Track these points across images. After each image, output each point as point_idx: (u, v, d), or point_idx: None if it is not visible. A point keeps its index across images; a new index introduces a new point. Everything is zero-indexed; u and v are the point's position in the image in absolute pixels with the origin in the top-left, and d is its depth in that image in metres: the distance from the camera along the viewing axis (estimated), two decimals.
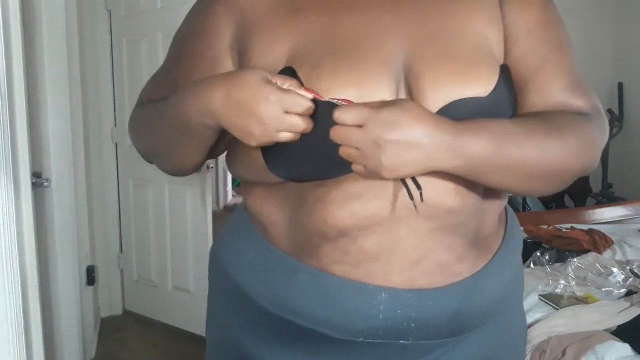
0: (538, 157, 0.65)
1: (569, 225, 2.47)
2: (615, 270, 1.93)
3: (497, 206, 0.78)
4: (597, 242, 2.25)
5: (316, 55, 0.69)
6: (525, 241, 2.07)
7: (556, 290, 1.78)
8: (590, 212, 2.81)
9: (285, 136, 0.63)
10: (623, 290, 1.79)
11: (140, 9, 2.95)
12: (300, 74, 0.68)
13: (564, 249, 2.13)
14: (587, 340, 1.44)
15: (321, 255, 0.72)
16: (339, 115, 0.60)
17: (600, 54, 3.54)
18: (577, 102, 0.72)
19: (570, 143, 0.68)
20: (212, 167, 2.85)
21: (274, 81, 0.64)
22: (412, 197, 0.63)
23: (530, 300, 1.71)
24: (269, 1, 0.74)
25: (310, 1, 0.73)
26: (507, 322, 0.82)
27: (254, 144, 0.65)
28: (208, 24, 0.77)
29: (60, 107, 2.01)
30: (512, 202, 3.08)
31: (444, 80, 0.67)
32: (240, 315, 0.81)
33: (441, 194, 0.68)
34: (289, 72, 0.68)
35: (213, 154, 0.80)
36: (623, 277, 1.89)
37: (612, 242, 2.30)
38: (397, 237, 0.69)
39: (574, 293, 1.77)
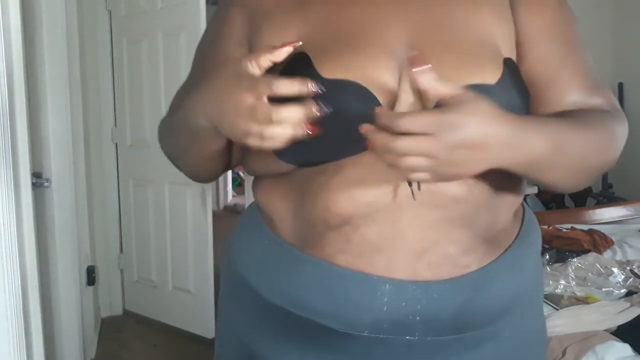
0: (584, 154, 0.67)
1: (569, 225, 2.48)
2: (615, 270, 1.93)
3: (511, 202, 0.76)
4: (597, 242, 2.25)
5: (321, 42, 0.71)
6: None
7: (556, 290, 1.78)
8: (590, 212, 2.81)
9: (281, 131, 0.60)
10: (623, 290, 1.79)
11: (140, 9, 2.96)
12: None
13: (564, 249, 2.14)
14: (587, 340, 1.44)
15: (324, 244, 0.71)
16: (404, 124, 0.56)
17: (600, 54, 3.54)
18: (597, 101, 0.74)
19: (605, 139, 0.70)
20: None
21: (248, 65, 0.62)
22: (410, 184, 0.64)
23: None
24: None
25: None
26: (525, 328, 0.78)
27: (251, 142, 0.62)
28: (224, 27, 0.81)
29: (60, 107, 2.01)
30: None
31: (447, 67, 0.67)
32: (247, 311, 0.81)
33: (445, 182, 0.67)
34: (302, 58, 0.69)
35: (228, 166, 0.83)
36: (623, 277, 1.89)
37: (612, 242, 2.30)
38: (400, 226, 0.68)
39: (574, 293, 1.77)
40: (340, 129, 0.65)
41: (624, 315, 1.57)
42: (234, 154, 0.82)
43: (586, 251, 2.11)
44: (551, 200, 3.64)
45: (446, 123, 0.56)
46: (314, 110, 0.59)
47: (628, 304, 1.64)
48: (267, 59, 0.63)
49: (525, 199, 0.84)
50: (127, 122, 3.11)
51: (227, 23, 0.81)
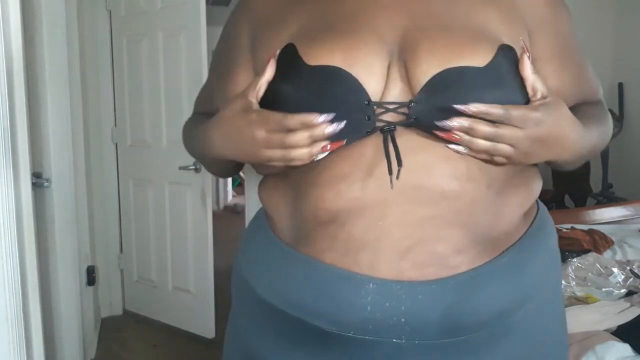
0: (594, 142, 0.77)
1: (569, 225, 2.48)
2: (615, 270, 1.93)
3: (518, 203, 0.74)
4: (597, 242, 2.25)
5: (313, 32, 0.72)
6: None
7: None
8: (590, 212, 2.81)
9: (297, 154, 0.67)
10: (623, 290, 1.79)
11: (140, 9, 2.95)
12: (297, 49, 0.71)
13: (564, 249, 2.13)
14: (587, 340, 1.44)
15: (314, 241, 0.71)
16: (507, 116, 0.63)
17: (600, 54, 3.54)
18: (592, 94, 0.83)
19: (608, 129, 0.81)
20: None
21: (249, 97, 0.70)
22: (390, 172, 0.65)
23: None
24: None
25: None
26: (537, 338, 0.74)
27: (276, 164, 0.69)
28: (232, 33, 0.85)
29: (60, 107, 2.01)
30: None
31: (439, 49, 0.67)
32: (248, 312, 0.81)
33: (434, 176, 0.67)
34: (289, 47, 0.71)
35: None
36: (623, 277, 1.89)
37: (612, 242, 2.30)
38: (386, 223, 0.67)
39: (574, 293, 1.77)
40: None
41: (624, 315, 1.57)
42: None
43: (586, 251, 2.11)
44: (551, 200, 3.64)
45: (533, 119, 0.64)
46: (324, 130, 0.65)
47: (628, 304, 1.63)
48: (264, 85, 0.70)
49: None
50: (127, 122, 3.11)
51: (233, 26, 0.85)
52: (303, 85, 0.68)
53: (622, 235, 2.43)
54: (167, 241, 3.01)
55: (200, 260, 2.88)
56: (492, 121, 0.64)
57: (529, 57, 0.67)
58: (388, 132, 0.67)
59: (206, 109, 0.87)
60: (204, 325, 2.89)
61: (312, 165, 0.70)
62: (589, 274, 1.92)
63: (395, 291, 0.67)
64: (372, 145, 0.68)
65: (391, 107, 0.67)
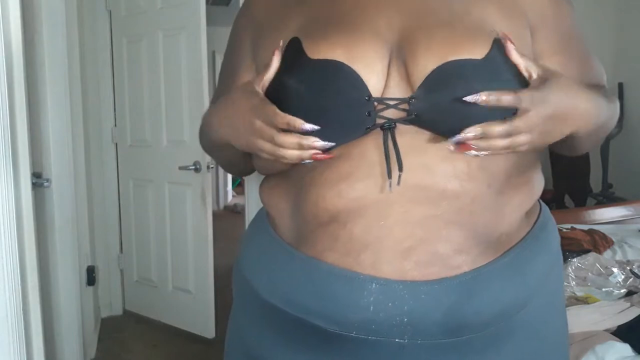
0: (606, 112, 0.75)
1: (569, 225, 2.48)
2: (615, 270, 1.93)
3: (519, 202, 0.74)
4: (597, 242, 2.25)
5: (314, 29, 0.72)
6: None
7: None
8: (590, 212, 2.81)
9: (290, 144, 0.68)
10: (623, 290, 1.79)
11: (140, 9, 2.95)
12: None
13: (564, 249, 2.13)
14: (587, 340, 1.44)
15: (315, 241, 0.71)
16: (518, 100, 0.63)
17: (600, 54, 3.54)
18: (598, 80, 0.83)
19: (613, 104, 0.80)
20: (212, 167, 2.85)
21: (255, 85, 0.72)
22: (390, 175, 0.65)
23: None
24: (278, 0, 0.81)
25: None
26: (538, 342, 0.74)
27: (265, 157, 0.71)
28: (236, 39, 0.87)
29: (60, 107, 2.01)
30: None
31: (437, 45, 0.67)
32: (249, 311, 0.81)
33: (435, 175, 0.67)
34: (294, 41, 0.71)
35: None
36: (623, 277, 1.89)
37: (612, 242, 2.30)
38: (387, 223, 0.67)
39: (574, 293, 1.77)
40: (329, 111, 0.67)
41: (624, 315, 1.57)
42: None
43: (586, 251, 2.11)
44: (551, 200, 3.64)
45: (538, 98, 0.64)
46: (312, 144, 0.66)
47: (628, 304, 1.63)
48: (270, 75, 0.71)
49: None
50: (127, 122, 3.11)
51: (237, 30, 0.87)
52: (305, 79, 0.69)
53: (622, 235, 2.43)
54: (167, 241, 3.01)
55: (200, 260, 2.88)
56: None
57: (512, 42, 0.67)
58: (388, 129, 0.67)
59: None
60: (204, 325, 2.89)
61: (313, 165, 0.70)
62: (589, 274, 1.92)
63: (398, 291, 0.67)
64: (372, 145, 0.68)
65: (391, 103, 0.67)
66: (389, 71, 0.69)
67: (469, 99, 0.63)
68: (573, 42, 0.81)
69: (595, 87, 0.79)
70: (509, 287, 0.71)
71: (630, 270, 1.93)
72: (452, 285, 0.67)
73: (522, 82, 0.67)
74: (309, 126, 0.65)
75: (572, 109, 0.67)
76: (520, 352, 0.73)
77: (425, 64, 0.67)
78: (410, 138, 0.67)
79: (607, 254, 2.20)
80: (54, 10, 1.97)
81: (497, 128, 0.63)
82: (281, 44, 0.72)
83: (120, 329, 3.07)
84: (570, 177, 3.62)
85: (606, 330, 1.52)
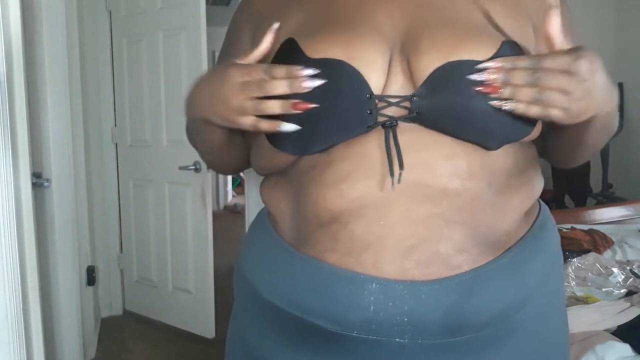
0: (613, 110, 0.71)
1: (569, 225, 2.48)
2: (615, 270, 1.93)
3: (519, 202, 0.74)
4: (597, 242, 2.25)
5: (312, 27, 0.72)
6: None
7: None
8: (590, 212, 2.81)
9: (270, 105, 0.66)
10: (623, 290, 1.79)
11: (140, 9, 2.95)
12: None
13: (564, 249, 2.13)
14: (587, 340, 1.44)
15: (315, 242, 0.71)
16: (538, 61, 0.61)
17: (600, 54, 3.54)
18: None
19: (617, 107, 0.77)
20: None
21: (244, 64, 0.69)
22: (392, 173, 0.65)
23: None
24: None
25: None
26: (538, 343, 0.74)
27: (247, 120, 0.68)
28: (234, 36, 0.86)
29: (60, 107, 2.01)
30: None
31: (441, 43, 0.67)
32: (249, 311, 0.81)
33: (435, 174, 0.67)
34: (289, 41, 0.70)
35: (247, 162, 0.87)
36: (623, 277, 1.89)
37: (612, 242, 2.30)
38: (388, 222, 0.67)
39: (574, 293, 1.77)
40: (330, 109, 0.66)
41: (624, 315, 1.57)
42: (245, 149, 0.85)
43: (586, 251, 2.11)
44: (551, 200, 3.64)
45: (576, 62, 0.61)
46: (303, 82, 0.64)
47: (628, 304, 1.63)
48: (258, 54, 0.69)
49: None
50: (127, 122, 3.11)
51: (236, 28, 0.86)
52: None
53: (622, 235, 2.43)
54: (167, 241, 3.01)
55: (200, 260, 2.88)
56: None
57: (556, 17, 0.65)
58: (390, 127, 0.67)
59: None
60: (204, 325, 2.90)
61: (313, 165, 0.70)
62: (589, 274, 1.92)
63: (398, 291, 0.67)
64: (373, 144, 0.68)
65: (393, 100, 0.67)
66: (391, 68, 0.68)
67: (481, 66, 0.63)
68: (574, 42, 0.80)
69: None
70: (508, 287, 0.71)
71: (630, 270, 1.93)
72: (452, 285, 0.67)
73: None
74: (309, 70, 0.65)
75: (601, 85, 0.64)
76: (520, 352, 0.73)
77: (429, 63, 0.66)
78: (411, 136, 0.67)
79: (607, 254, 2.20)
80: (54, 10, 1.97)
81: (521, 72, 0.62)
82: (275, 26, 0.70)
83: (120, 329, 3.07)
84: (570, 177, 3.62)
85: (606, 330, 1.52)
